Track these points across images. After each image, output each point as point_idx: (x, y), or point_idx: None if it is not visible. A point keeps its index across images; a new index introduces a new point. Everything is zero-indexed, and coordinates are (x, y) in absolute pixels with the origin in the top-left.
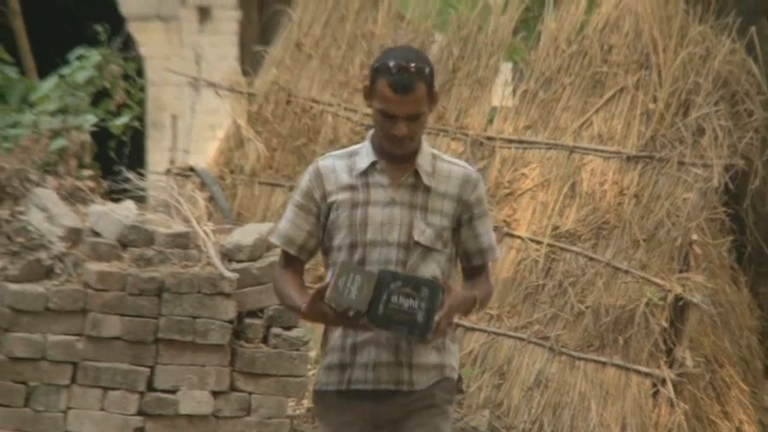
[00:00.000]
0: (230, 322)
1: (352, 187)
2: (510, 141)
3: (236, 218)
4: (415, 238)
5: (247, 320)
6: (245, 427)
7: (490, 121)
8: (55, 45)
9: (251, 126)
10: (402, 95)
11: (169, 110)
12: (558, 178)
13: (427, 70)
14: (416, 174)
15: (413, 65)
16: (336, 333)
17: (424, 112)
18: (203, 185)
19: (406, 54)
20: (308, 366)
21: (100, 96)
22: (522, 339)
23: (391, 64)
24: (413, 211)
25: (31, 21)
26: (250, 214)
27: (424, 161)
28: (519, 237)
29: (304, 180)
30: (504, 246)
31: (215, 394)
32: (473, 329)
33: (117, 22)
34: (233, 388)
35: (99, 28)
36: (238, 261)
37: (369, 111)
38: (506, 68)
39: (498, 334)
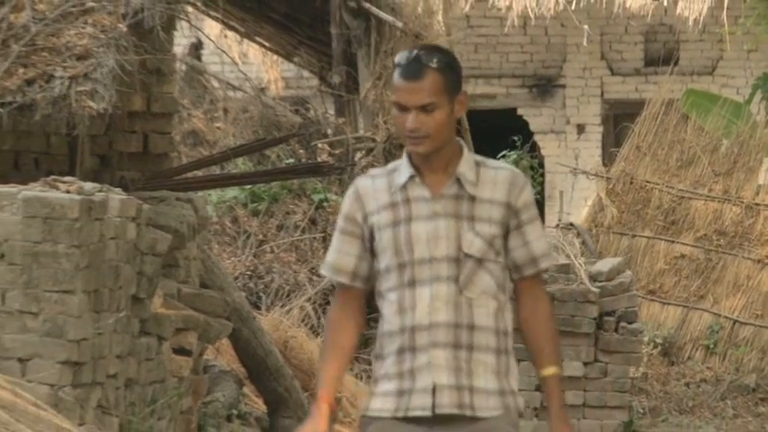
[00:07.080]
0: (594, 319)
1: (393, 205)
2: None
3: (598, 255)
4: (465, 250)
5: (605, 318)
6: (603, 384)
7: (757, 192)
8: (488, 150)
9: (608, 197)
10: (411, 83)
11: (558, 188)
12: None
13: (442, 61)
14: (459, 182)
15: (424, 54)
16: (390, 360)
17: (436, 104)
18: (579, 235)
19: (421, 47)
20: (642, 347)
21: None
22: None
23: (404, 55)
24: (459, 221)
25: (475, 134)
26: (606, 252)
27: (465, 169)
28: None
29: (345, 204)
30: (766, 272)
31: (585, 364)
32: (745, 323)
33: (528, 134)
34: (596, 360)
35: (516, 138)
36: (599, 281)
37: (682, 186)
38: (767, 161)
39: (763, 327)
